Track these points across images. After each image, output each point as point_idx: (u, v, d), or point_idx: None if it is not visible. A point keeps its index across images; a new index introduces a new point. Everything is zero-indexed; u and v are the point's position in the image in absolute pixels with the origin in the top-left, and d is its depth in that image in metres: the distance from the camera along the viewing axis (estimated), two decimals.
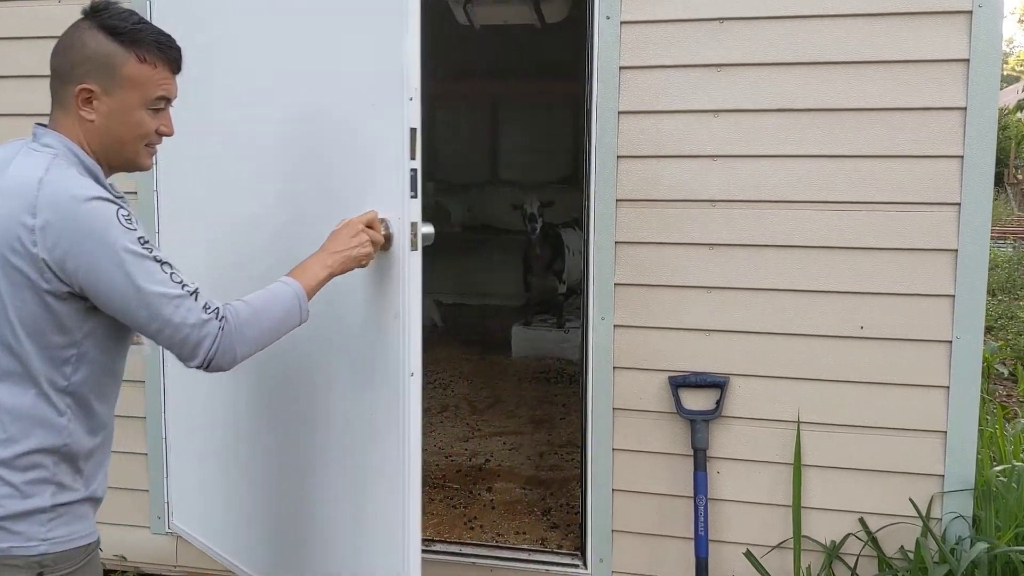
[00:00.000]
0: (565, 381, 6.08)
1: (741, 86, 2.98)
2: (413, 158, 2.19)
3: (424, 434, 4.94)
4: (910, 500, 2.93)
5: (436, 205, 8.52)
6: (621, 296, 3.13)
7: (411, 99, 2.18)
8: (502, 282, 9.36)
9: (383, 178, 2.28)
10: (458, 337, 7.49)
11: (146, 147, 1.84)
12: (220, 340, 1.78)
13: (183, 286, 1.74)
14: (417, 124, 2.18)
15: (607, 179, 3.12)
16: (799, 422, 3.02)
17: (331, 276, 2.08)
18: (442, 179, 8.84)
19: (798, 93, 2.94)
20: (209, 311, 1.77)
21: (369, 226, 2.18)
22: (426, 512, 3.80)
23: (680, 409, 3.09)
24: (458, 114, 9.26)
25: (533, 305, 8.93)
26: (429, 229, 2.26)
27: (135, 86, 1.78)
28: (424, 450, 4.59)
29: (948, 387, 2.91)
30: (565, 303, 6.95)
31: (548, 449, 4.64)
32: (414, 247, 2.21)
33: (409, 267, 2.21)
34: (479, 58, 8.49)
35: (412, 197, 2.20)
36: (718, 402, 3.07)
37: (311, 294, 2.02)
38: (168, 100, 1.85)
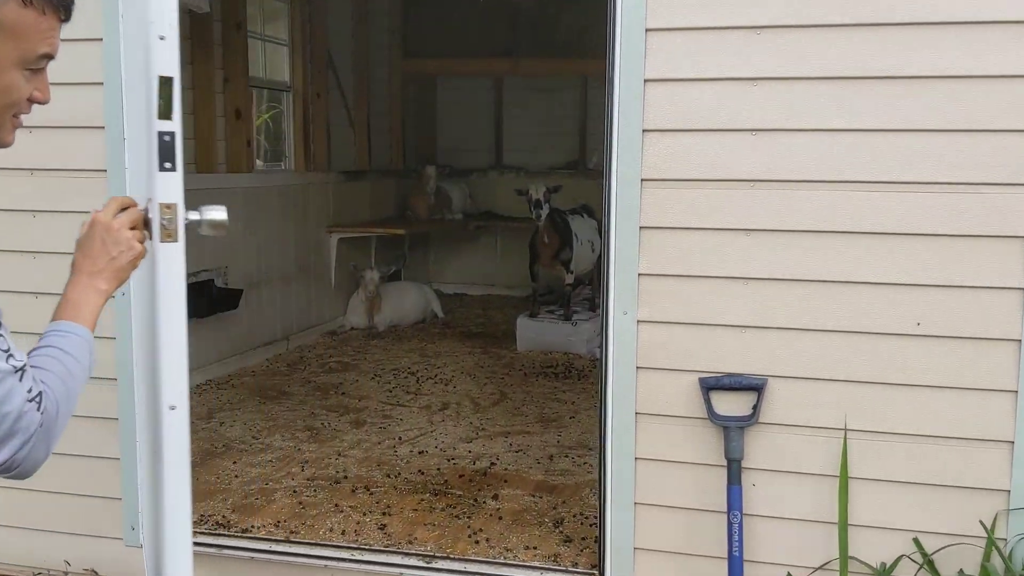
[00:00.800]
0: (573, 376, 5.75)
1: (785, 51, 2.64)
2: (165, 118, 1.64)
3: (424, 434, 4.65)
4: (980, 522, 2.60)
5: (438, 192, 8.18)
6: (646, 288, 2.80)
7: (162, 38, 1.65)
8: (506, 271, 9.06)
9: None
10: (460, 329, 7.16)
11: (13, 118, 1.41)
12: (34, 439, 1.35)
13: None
14: (172, 72, 1.64)
15: (631, 156, 2.77)
16: (846, 429, 2.70)
17: (107, 300, 1.58)
18: (443, 164, 8.49)
19: (851, 59, 2.60)
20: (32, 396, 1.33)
21: (128, 218, 1.63)
22: (427, 523, 3.47)
23: (712, 414, 2.76)
24: (462, 94, 8.94)
25: (540, 296, 8.63)
26: (216, 215, 1.70)
27: (13, 37, 1.33)
28: (424, 452, 4.29)
29: (1016, 391, 2.59)
30: (572, 294, 6.61)
31: (558, 451, 4.32)
32: (169, 237, 1.64)
33: (161, 265, 1.66)
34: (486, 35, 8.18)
35: (164, 170, 1.64)
36: (755, 407, 2.74)
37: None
38: (51, 58, 1.41)
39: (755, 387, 2.73)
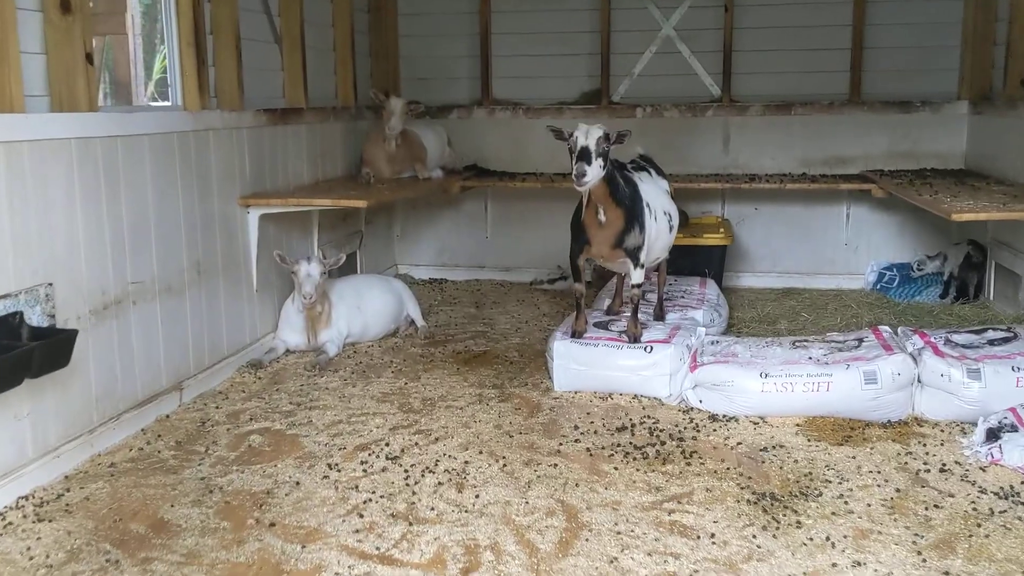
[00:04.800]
0: (670, 451, 3.36)
1: None
2: None
3: None
4: None
5: (406, 139, 5.61)
6: None
7: None
8: (500, 247, 6.57)
9: None
10: (452, 347, 4.66)
11: None
12: None
13: None
14: None
15: None
16: None
17: None
18: (411, 100, 5.91)
19: None
20: None
21: None
22: None
23: None
24: (433, 2, 6.40)
25: (553, 280, 6.17)
26: None
27: None
28: None
29: None
30: (640, 298, 4.18)
31: None
32: None
33: None
34: None
35: None
36: None
37: None
38: None
39: None
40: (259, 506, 2.97)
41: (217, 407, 3.92)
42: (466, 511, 2.92)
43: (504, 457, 3.33)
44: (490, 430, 3.61)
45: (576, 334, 4.09)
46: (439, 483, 3.12)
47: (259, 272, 4.55)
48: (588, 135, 3.72)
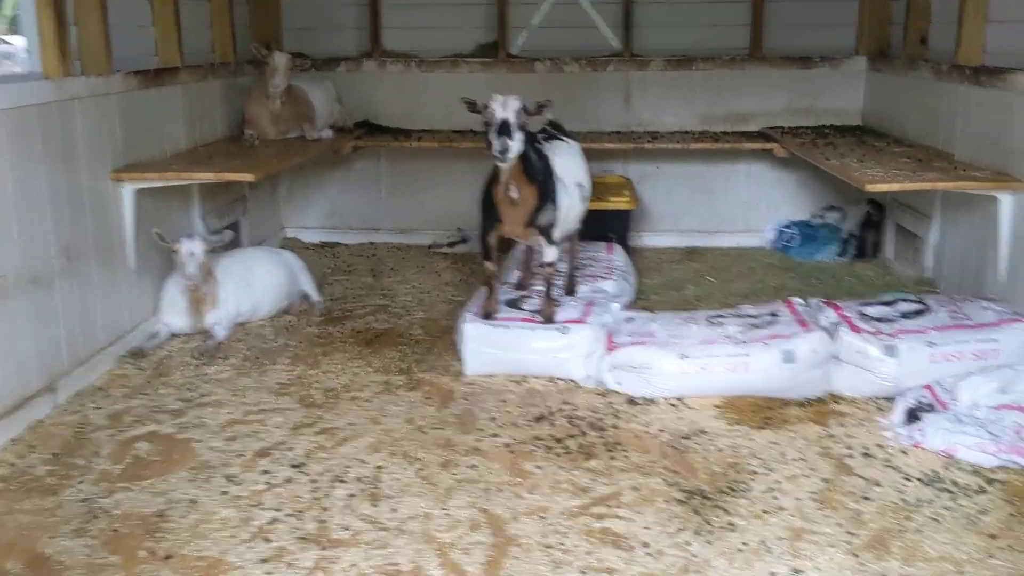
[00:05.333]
0: (592, 444, 3.22)
1: None
2: None
3: None
4: None
5: (292, 95, 5.21)
6: None
7: None
8: (395, 208, 6.27)
9: None
10: (352, 324, 4.38)
11: None
12: None
13: None
14: None
15: None
16: None
17: None
18: (296, 52, 5.49)
19: None
20: None
21: None
22: None
23: None
24: None
25: (452, 243, 5.94)
26: None
27: None
28: None
29: None
30: (553, 276, 3.99)
31: None
32: None
33: None
34: None
35: None
36: None
37: None
38: None
39: None
40: (151, 533, 2.68)
41: (96, 407, 3.56)
42: (383, 528, 2.70)
43: (419, 459, 3.12)
44: (401, 426, 3.38)
45: (488, 315, 3.88)
46: (350, 495, 2.89)
47: (137, 251, 4.14)
48: (506, 107, 3.48)
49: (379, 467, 3.07)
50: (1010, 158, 4.03)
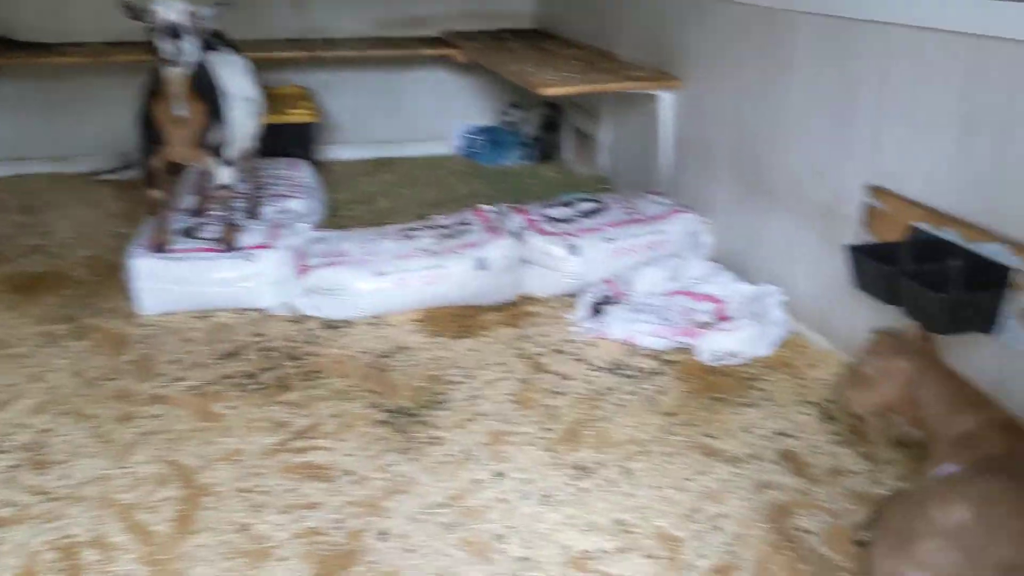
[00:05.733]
0: (290, 376, 3.08)
1: None
2: None
3: None
4: None
5: None
6: None
7: None
8: (46, 131, 5.55)
9: None
10: (5, 267, 3.82)
11: None
12: None
13: None
14: None
15: None
16: None
17: None
18: None
19: None
20: None
21: None
22: None
23: None
24: None
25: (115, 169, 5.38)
26: None
27: None
28: None
29: None
30: (228, 199, 3.70)
31: None
32: None
33: None
34: None
35: None
36: None
37: None
38: None
39: None
40: None
41: None
42: (55, 499, 2.41)
43: (93, 416, 2.81)
44: (69, 380, 3.02)
45: (160, 247, 3.55)
46: (13, 466, 2.55)
47: None
48: (170, 8, 3.11)
49: (45, 430, 2.73)
50: (668, 57, 4.27)
